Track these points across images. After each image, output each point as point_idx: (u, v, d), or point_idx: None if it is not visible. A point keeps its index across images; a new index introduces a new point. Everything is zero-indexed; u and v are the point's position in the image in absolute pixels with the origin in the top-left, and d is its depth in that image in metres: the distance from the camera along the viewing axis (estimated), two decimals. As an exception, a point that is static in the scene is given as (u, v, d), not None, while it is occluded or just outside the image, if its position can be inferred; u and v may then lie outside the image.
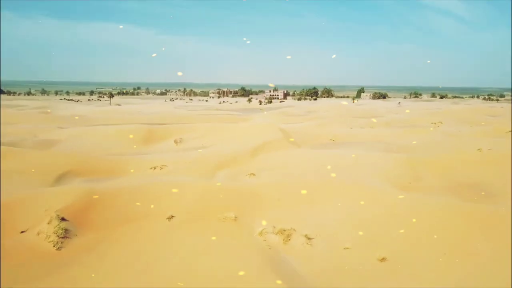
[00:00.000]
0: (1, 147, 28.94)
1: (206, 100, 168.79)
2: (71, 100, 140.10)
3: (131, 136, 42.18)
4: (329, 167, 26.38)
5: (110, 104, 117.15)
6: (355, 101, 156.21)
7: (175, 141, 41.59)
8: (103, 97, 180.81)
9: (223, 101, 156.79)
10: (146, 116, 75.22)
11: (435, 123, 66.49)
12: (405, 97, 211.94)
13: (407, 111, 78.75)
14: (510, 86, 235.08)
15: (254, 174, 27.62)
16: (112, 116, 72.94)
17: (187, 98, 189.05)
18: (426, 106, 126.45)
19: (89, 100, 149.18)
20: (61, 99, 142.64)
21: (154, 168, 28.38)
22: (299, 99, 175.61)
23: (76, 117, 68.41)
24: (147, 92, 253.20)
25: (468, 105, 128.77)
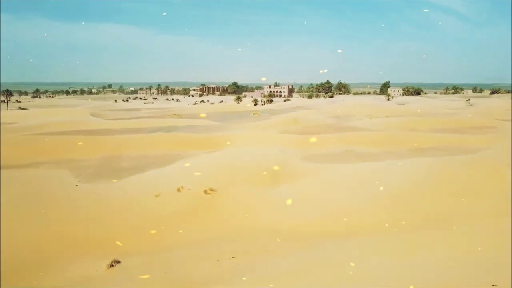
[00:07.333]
0: None
1: (178, 100, 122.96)
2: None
3: None
4: None
5: (8, 108, 72.80)
6: (390, 98, 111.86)
7: None
8: (40, 97, 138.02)
9: (202, 101, 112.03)
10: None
11: None
12: (435, 93, 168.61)
13: None
14: (510, 82, 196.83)
15: None
16: None
17: (150, 98, 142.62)
18: (498, 104, 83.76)
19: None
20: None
21: None
22: (309, 97, 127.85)
23: None
24: (113, 91, 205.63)
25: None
